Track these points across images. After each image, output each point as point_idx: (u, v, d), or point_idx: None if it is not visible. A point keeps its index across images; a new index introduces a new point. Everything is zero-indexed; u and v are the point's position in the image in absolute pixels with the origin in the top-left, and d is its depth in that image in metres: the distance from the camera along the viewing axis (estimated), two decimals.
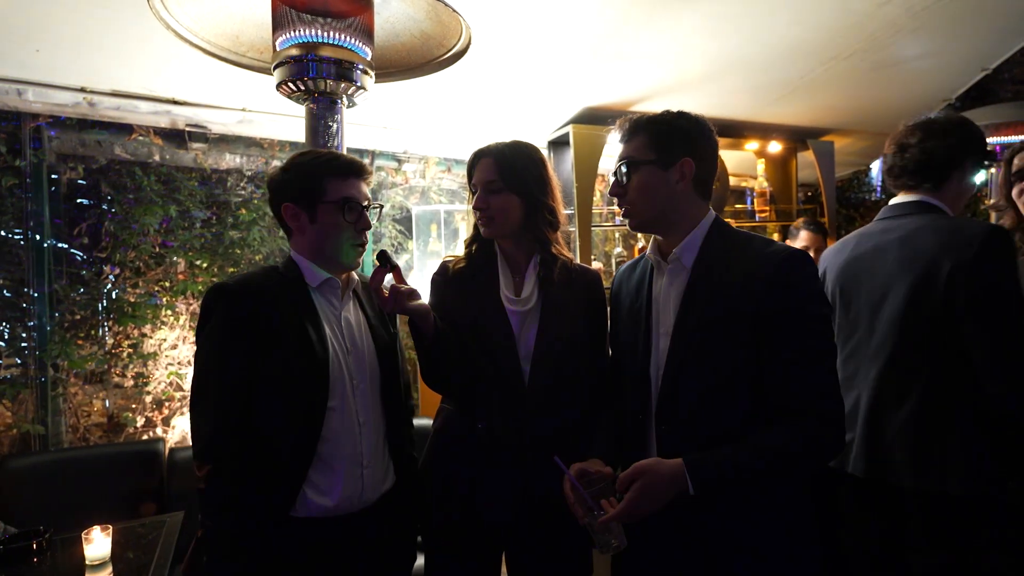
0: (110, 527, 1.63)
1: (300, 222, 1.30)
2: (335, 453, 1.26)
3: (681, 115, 1.23)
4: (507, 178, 1.36)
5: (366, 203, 1.33)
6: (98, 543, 1.59)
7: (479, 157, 1.41)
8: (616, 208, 3.15)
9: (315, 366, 1.23)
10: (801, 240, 3.14)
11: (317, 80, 1.57)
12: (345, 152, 1.69)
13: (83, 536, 1.59)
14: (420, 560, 1.44)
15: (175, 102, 2.58)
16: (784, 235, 3.71)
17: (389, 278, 1.30)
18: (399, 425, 1.41)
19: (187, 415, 2.92)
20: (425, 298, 1.37)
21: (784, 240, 3.37)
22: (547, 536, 1.37)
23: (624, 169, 1.22)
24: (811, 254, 3.00)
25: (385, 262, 1.29)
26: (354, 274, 1.41)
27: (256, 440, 1.21)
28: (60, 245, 2.64)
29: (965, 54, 2.95)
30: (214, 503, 1.18)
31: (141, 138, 2.76)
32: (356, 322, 1.38)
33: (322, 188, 1.27)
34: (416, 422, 2.64)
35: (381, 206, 1.39)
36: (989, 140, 3.00)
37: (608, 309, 1.47)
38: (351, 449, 1.28)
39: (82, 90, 2.40)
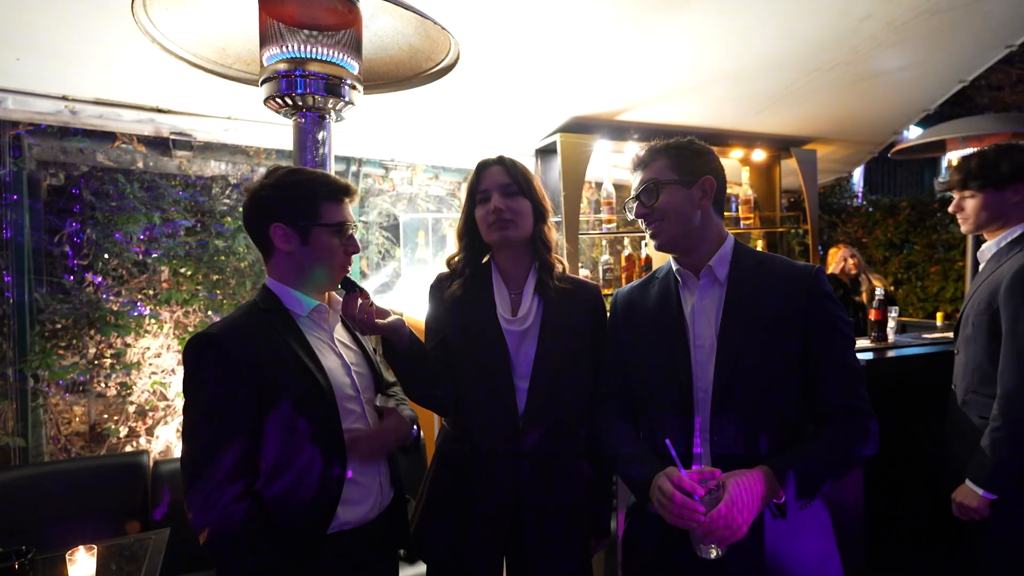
0: (95, 547, 1.61)
1: (291, 244, 1.25)
2: (361, 468, 1.28)
3: (691, 140, 1.32)
4: (520, 183, 1.40)
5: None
6: (82, 563, 1.57)
7: (486, 166, 1.43)
8: (604, 216, 3.18)
9: (321, 399, 1.22)
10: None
11: (305, 96, 1.56)
12: (333, 160, 1.68)
13: (67, 556, 1.57)
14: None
15: (159, 110, 2.54)
16: (768, 242, 3.78)
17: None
18: None
19: (170, 424, 2.89)
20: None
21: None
22: (543, 549, 1.37)
23: (649, 190, 1.28)
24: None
25: (351, 288, 1.29)
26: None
27: (277, 481, 1.19)
28: (41, 253, 2.59)
29: (944, 66, 3.01)
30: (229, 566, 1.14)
31: (124, 145, 2.72)
32: (348, 338, 1.40)
33: (318, 211, 1.25)
34: None
35: (360, 224, 1.41)
36: (965, 151, 3.07)
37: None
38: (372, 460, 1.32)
39: (64, 98, 2.36)
